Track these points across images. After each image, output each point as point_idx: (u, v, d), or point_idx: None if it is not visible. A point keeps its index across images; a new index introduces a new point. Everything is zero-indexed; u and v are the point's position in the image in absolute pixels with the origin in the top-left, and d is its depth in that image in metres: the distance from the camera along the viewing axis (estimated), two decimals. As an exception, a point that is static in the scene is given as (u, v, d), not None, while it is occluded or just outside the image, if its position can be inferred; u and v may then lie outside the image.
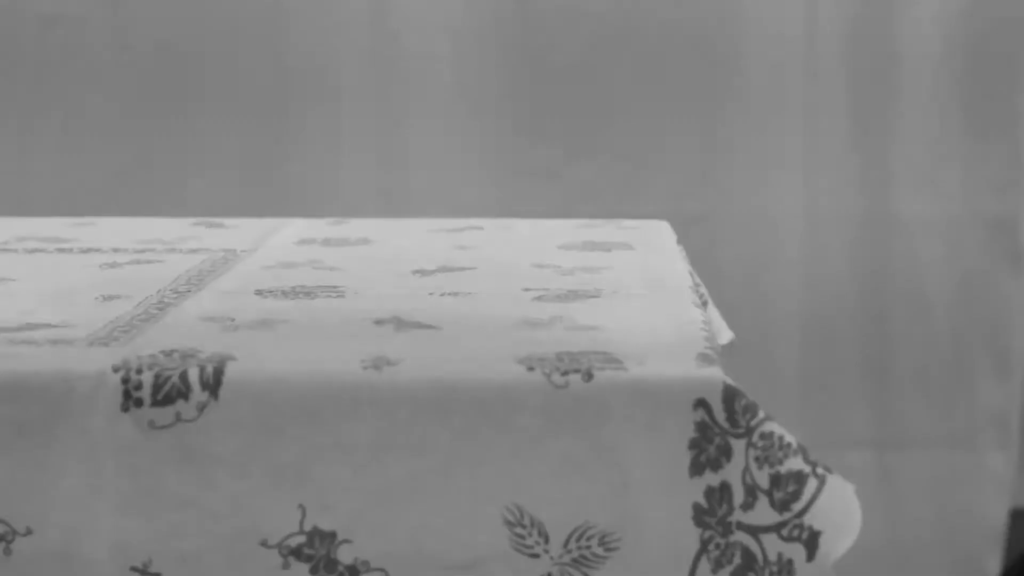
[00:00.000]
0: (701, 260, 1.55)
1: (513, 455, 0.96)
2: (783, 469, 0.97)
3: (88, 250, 1.40)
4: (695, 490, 0.97)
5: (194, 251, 1.40)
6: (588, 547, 0.96)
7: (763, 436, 0.97)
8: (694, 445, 0.97)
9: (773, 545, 0.97)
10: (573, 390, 0.97)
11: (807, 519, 0.97)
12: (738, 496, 0.97)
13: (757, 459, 0.97)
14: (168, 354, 0.99)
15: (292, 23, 2.19)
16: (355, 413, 0.97)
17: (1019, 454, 2.34)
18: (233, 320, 1.10)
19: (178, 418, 0.97)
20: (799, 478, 0.98)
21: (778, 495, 0.97)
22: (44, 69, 2.18)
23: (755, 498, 0.97)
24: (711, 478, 0.97)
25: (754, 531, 0.97)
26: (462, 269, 1.31)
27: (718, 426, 0.97)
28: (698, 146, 2.21)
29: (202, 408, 0.96)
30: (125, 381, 0.97)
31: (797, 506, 0.97)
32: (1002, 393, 2.31)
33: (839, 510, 0.98)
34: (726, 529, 0.97)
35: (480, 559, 0.96)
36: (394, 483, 0.96)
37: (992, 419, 2.32)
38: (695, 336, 1.07)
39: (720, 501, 0.97)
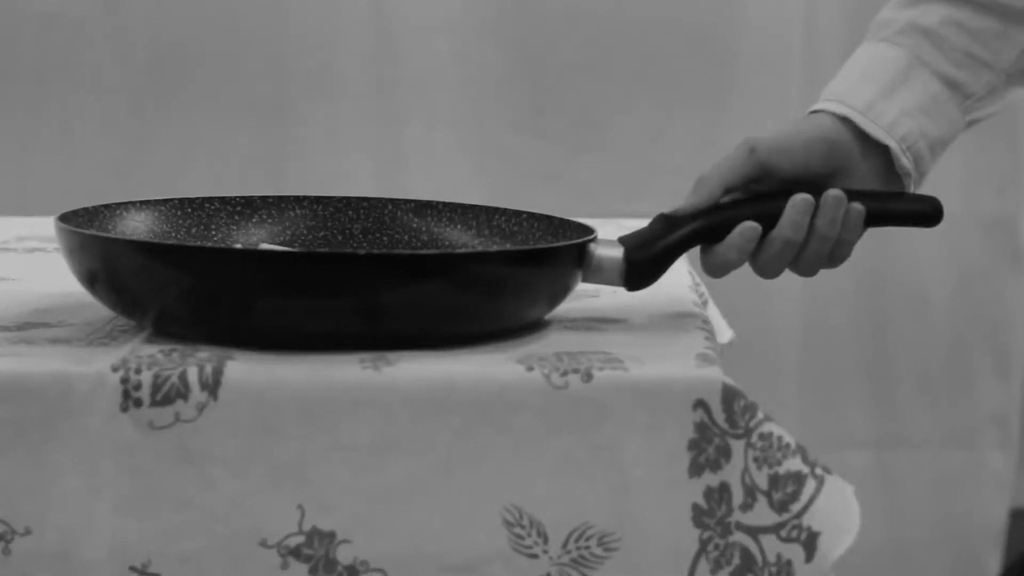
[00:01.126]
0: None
1: (512, 455, 0.96)
2: (782, 470, 0.97)
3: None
4: (694, 491, 0.97)
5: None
6: (587, 547, 0.96)
7: (762, 436, 0.97)
8: (693, 446, 0.97)
9: (772, 546, 0.97)
10: (572, 390, 0.97)
11: (806, 520, 0.97)
12: (737, 497, 0.97)
13: (756, 460, 0.97)
14: (167, 354, 0.99)
15: (292, 23, 2.19)
16: (354, 413, 0.96)
17: (1019, 454, 2.34)
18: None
19: (177, 418, 0.96)
20: (798, 479, 0.97)
21: (777, 496, 0.97)
22: (44, 69, 2.17)
23: (754, 499, 0.97)
24: (710, 479, 0.97)
25: (753, 532, 0.97)
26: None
27: (717, 427, 0.97)
28: (698, 146, 2.21)
29: (201, 408, 0.96)
30: (124, 381, 0.97)
31: (796, 507, 0.97)
32: (1002, 393, 2.31)
33: (838, 511, 0.98)
34: (725, 530, 0.97)
35: (479, 559, 0.96)
36: (393, 483, 0.96)
37: (992, 419, 2.31)
38: (695, 336, 1.07)
39: (719, 502, 0.97)
